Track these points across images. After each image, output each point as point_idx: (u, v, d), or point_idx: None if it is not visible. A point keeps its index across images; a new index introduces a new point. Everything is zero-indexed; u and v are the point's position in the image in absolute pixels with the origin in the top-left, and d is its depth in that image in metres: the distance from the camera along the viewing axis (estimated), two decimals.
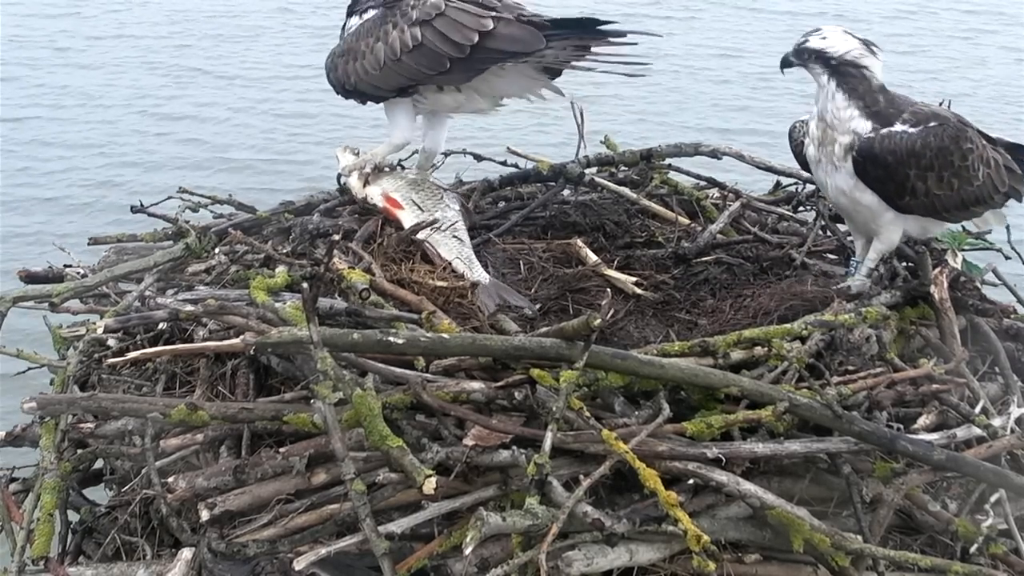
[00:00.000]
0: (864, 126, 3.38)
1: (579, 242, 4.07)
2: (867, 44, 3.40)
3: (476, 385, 2.93)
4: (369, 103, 4.11)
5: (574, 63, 3.82)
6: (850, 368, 3.17)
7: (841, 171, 3.45)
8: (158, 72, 12.51)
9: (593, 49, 3.73)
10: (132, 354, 3.13)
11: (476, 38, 3.72)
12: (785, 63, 3.57)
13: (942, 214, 3.54)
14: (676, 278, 3.95)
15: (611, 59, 3.72)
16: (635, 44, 3.68)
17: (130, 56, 13.03)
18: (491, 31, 3.72)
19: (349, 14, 4.16)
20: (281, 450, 2.87)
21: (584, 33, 3.73)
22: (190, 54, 13.18)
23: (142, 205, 4.19)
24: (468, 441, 2.78)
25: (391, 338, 2.79)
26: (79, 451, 3.17)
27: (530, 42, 3.71)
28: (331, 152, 4.47)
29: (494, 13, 3.77)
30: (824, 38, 3.39)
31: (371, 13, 4.01)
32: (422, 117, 4.18)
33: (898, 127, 3.38)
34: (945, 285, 3.49)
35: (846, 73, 3.37)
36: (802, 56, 3.44)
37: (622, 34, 3.68)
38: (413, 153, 4.38)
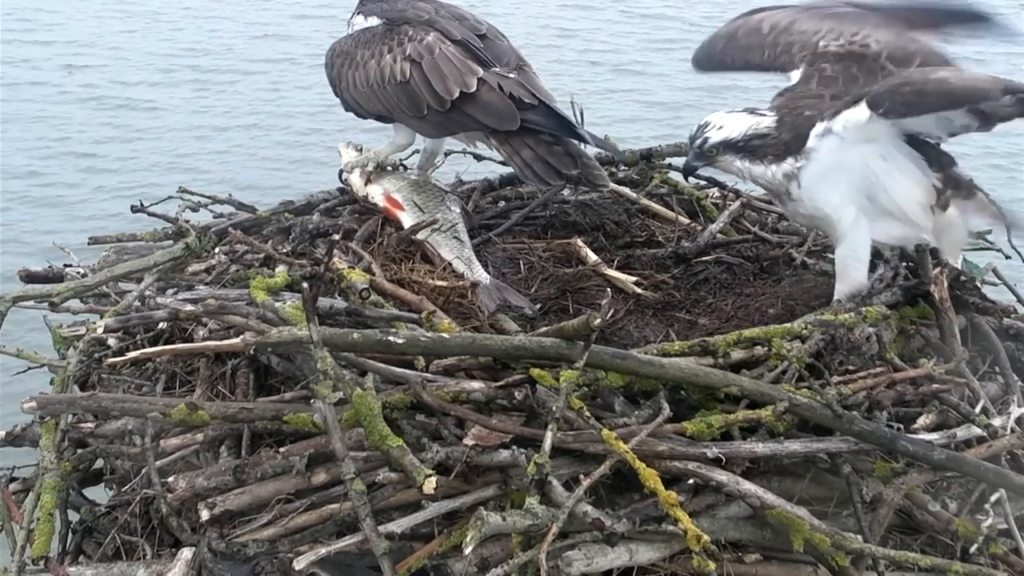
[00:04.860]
0: (789, 164, 3.32)
1: (579, 242, 4.07)
2: (752, 111, 3.38)
3: (476, 385, 2.93)
4: (350, 112, 4.08)
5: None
6: (850, 368, 3.17)
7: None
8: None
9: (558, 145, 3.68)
10: (132, 354, 3.13)
11: (456, 93, 3.68)
12: (690, 170, 3.56)
13: None
14: (676, 278, 3.95)
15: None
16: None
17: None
18: (472, 94, 3.67)
19: (357, 10, 4.14)
20: (281, 450, 2.87)
21: (561, 130, 3.69)
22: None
23: (142, 205, 4.19)
24: (468, 441, 2.77)
25: (391, 338, 2.79)
26: (79, 451, 3.17)
27: (505, 119, 3.66)
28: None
29: (482, 73, 3.71)
30: (721, 127, 3.35)
31: (375, 22, 3.98)
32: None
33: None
34: (945, 284, 3.48)
35: (753, 148, 3.33)
36: (708, 155, 3.39)
37: (596, 144, 3.76)
38: (414, 152, 4.38)
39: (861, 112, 3.17)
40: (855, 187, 3.32)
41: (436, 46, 3.76)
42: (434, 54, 3.74)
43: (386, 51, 3.83)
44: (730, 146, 3.35)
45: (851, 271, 3.43)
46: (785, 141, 3.32)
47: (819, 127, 3.27)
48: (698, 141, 3.38)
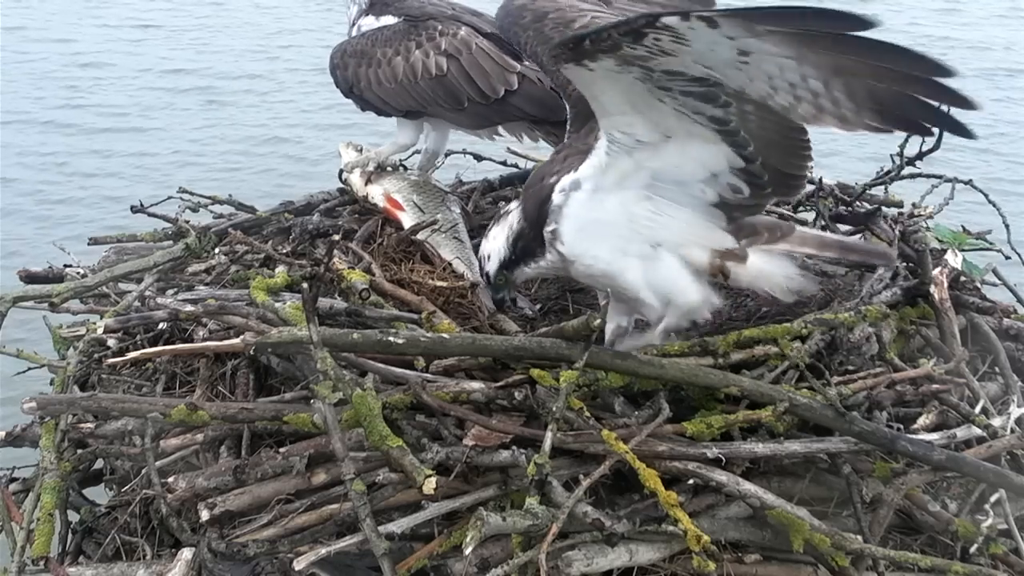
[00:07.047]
0: (547, 234, 3.05)
1: None
2: (498, 219, 3.24)
3: (476, 385, 2.93)
4: (368, 111, 4.08)
5: None
6: (850, 368, 3.17)
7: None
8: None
9: None
10: (132, 354, 3.13)
11: (502, 92, 3.71)
12: (500, 304, 3.38)
13: None
14: None
15: None
16: None
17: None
18: (516, 90, 3.70)
19: (363, 12, 4.13)
20: (281, 450, 2.87)
21: None
22: None
23: (142, 205, 4.19)
24: (468, 441, 2.77)
25: (391, 338, 2.79)
26: (79, 451, 3.16)
27: (552, 109, 3.68)
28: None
29: (519, 68, 3.73)
30: (490, 256, 3.24)
31: (390, 20, 3.97)
32: (427, 120, 4.17)
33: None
34: (945, 285, 3.49)
35: (525, 249, 3.15)
36: (501, 286, 3.27)
37: None
38: (414, 153, 4.39)
39: (600, 155, 2.90)
40: (623, 237, 2.99)
41: (471, 41, 3.77)
42: (471, 49, 3.75)
43: (414, 47, 3.82)
44: (508, 264, 3.21)
45: (676, 296, 3.05)
46: (533, 219, 3.08)
47: (563, 182, 2.99)
48: (485, 280, 3.32)
